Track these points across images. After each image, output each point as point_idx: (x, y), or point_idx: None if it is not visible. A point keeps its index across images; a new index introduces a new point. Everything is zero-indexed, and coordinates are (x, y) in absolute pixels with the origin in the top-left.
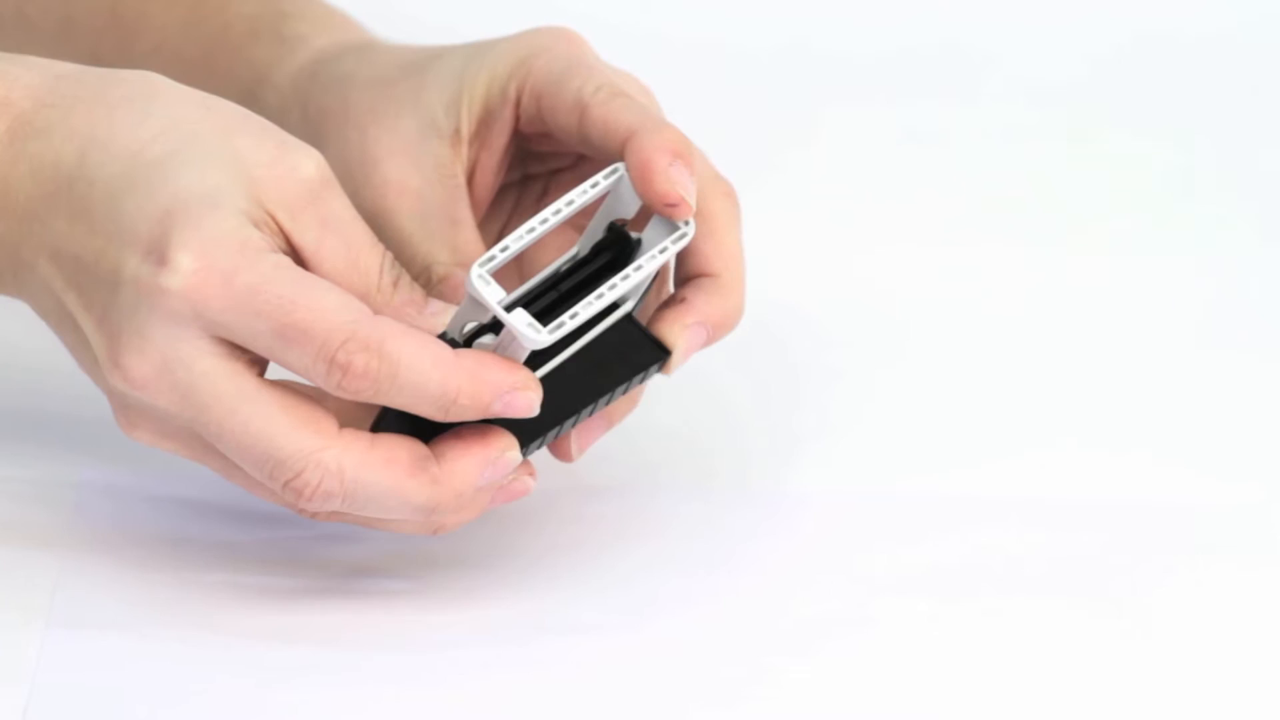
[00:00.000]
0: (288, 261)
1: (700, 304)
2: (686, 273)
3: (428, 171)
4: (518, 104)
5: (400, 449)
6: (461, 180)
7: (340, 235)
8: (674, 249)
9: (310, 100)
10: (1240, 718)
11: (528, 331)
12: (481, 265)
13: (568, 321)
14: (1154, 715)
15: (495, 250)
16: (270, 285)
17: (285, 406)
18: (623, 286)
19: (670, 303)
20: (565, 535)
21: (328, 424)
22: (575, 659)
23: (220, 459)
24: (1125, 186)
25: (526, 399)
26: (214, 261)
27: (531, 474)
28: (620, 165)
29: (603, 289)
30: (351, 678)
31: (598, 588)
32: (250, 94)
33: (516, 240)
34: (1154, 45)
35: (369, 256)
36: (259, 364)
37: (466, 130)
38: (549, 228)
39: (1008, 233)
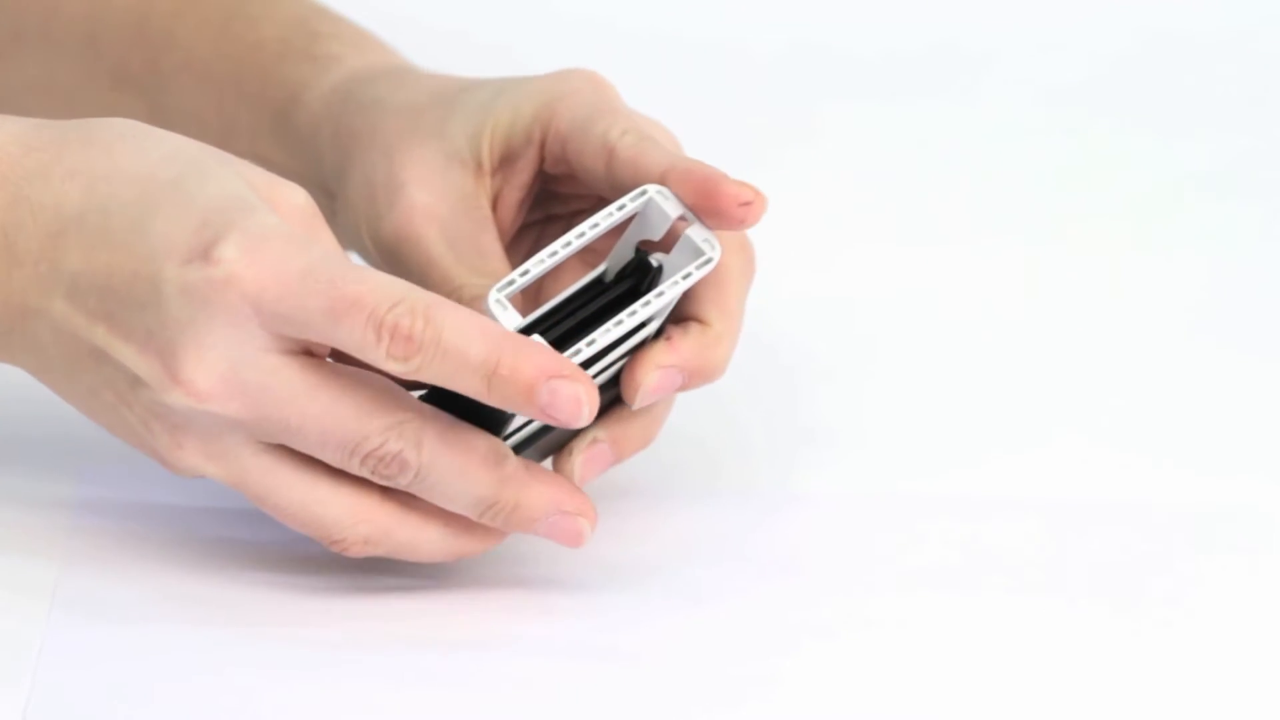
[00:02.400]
0: (332, 247)
1: (683, 348)
2: (683, 314)
3: (453, 201)
4: (542, 145)
5: (479, 437)
6: (487, 211)
7: (340, 254)
8: (697, 275)
9: (340, 121)
10: (1243, 718)
11: None
12: (500, 290)
13: (584, 349)
14: (1159, 715)
15: (515, 274)
16: (321, 267)
17: (363, 384)
18: (643, 313)
19: (656, 339)
20: None
21: (408, 399)
22: (581, 658)
23: (262, 485)
24: (1125, 186)
25: (573, 391)
26: (261, 253)
27: (592, 523)
28: (648, 188)
29: (622, 315)
30: (356, 675)
31: (602, 586)
32: (282, 113)
33: (538, 264)
34: (1154, 45)
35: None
36: (319, 356)
37: (488, 164)
38: (572, 251)
39: (1008, 232)
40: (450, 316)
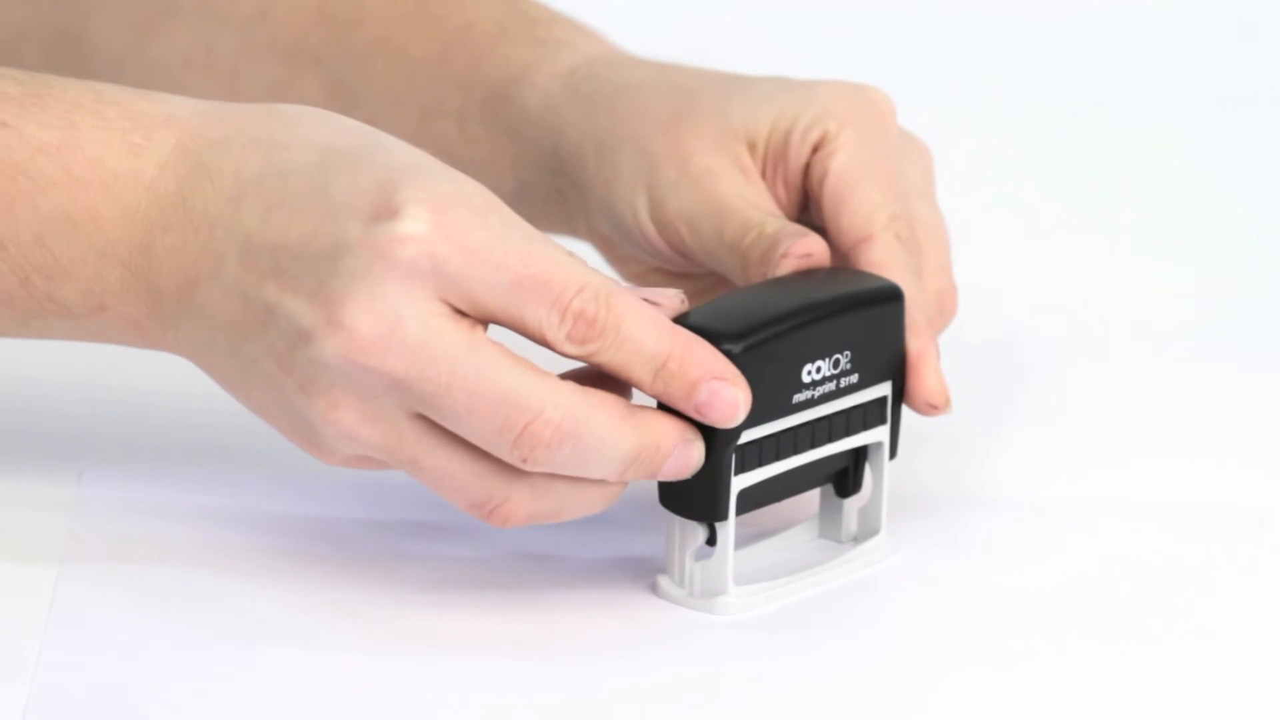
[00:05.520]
0: (512, 217)
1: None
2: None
3: (734, 172)
4: (813, 153)
5: (609, 396)
6: (764, 186)
7: (521, 229)
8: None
9: (596, 101)
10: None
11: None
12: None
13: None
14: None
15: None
16: (506, 240)
17: (513, 357)
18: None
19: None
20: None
21: (550, 373)
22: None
23: (424, 447)
24: (1126, 185)
25: (733, 396)
26: (446, 218)
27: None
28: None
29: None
30: (358, 677)
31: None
32: (500, 92)
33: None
34: (1155, 43)
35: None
36: (477, 327)
37: (762, 150)
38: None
39: (1008, 232)
40: (629, 305)
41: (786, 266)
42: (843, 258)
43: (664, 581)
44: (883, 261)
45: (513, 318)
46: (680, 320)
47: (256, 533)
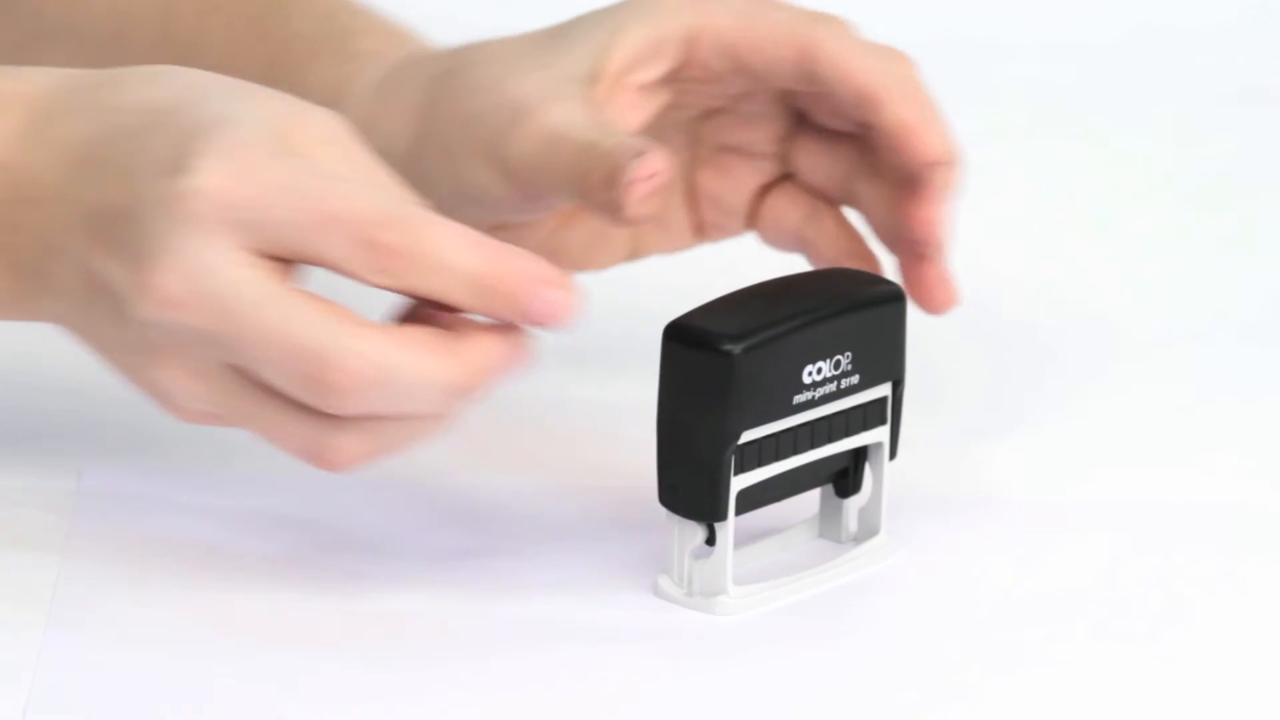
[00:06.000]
0: (336, 156)
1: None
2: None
3: (564, 103)
4: (683, 57)
5: (418, 330)
6: (607, 114)
7: (366, 172)
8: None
9: (409, 102)
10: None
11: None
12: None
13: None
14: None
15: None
16: (300, 180)
17: (312, 304)
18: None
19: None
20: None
21: (352, 316)
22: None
23: (247, 400)
24: (1126, 185)
25: (558, 297)
26: (238, 165)
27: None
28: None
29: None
30: (358, 679)
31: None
32: None
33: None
34: (1155, 43)
35: (400, 188)
36: (284, 273)
37: (608, 77)
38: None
39: (1008, 232)
40: (439, 231)
41: (638, 203)
42: (791, 76)
43: (664, 581)
44: (838, 59)
45: (317, 256)
46: (679, 321)
47: (257, 532)
